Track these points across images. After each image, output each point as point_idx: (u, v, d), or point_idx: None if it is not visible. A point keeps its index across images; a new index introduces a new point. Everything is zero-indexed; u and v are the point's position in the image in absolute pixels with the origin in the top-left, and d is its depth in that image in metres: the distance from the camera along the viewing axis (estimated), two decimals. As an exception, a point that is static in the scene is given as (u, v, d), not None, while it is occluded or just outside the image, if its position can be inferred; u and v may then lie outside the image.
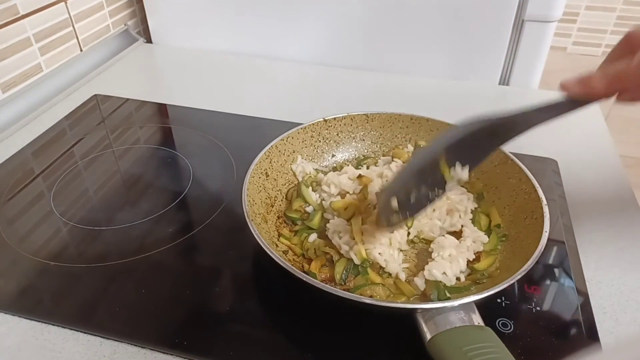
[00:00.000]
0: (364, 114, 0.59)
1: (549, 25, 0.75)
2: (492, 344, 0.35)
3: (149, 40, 0.96)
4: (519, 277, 0.39)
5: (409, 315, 0.39)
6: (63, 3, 0.78)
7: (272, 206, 0.52)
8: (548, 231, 0.44)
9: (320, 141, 0.58)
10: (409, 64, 0.83)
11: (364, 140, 0.60)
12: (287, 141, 0.55)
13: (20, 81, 0.73)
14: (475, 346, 0.35)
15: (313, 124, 0.57)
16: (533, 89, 0.81)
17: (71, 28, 0.80)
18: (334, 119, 0.58)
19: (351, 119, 0.59)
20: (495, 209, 0.51)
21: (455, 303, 0.38)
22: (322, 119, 0.58)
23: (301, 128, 0.56)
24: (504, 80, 0.82)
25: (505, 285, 0.38)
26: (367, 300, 0.39)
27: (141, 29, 0.98)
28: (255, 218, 0.46)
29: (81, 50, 0.84)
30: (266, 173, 0.52)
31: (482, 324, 0.38)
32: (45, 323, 0.43)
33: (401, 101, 0.75)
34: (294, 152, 0.56)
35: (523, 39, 0.77)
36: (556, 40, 1.50)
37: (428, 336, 0.37)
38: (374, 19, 0.81)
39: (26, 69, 0.73)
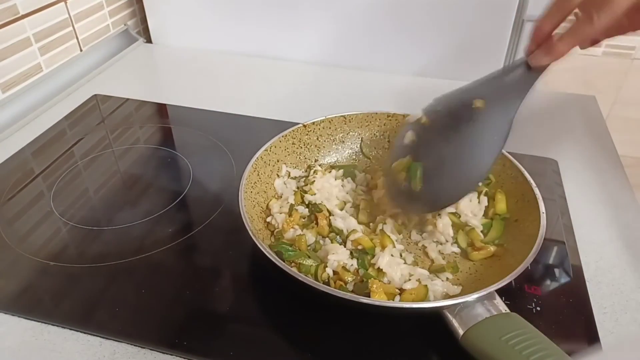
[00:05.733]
0: (342, 116, 0.59)
1: (549, 25, 0.75)
2: (526, 329, 0.36)
3: (148, 40, 0.96)
4: (535, 254, 0.41)
5: (436, 314, 0.39)
6: (63, 3, 0.78)
7: (266, 219, 0.51)
8: (545, 212, 0.45)
9: (301, 147, 0.58)
10: (408, 64, 0.83)
11: (343, 142, 0.60)
12: (270, 151, 0.54)
13: (20, 81, 0.73)
14: (513, 334, 0.35)
15: (293, 130, 0.57)
16: (533, 89, 0.81)
17: (71, 28, 0.80)
18: (313, 123, 0.58)
19: (329, 121, 0.59)
20: (502, 196, 0.51)
21: (479, 294, 0.38)
22: (301, 125, 0.57)
23: (282, 136, 0.56)
24: (504, 80, 0.82)
25: (526, 265, 0.40)
26: (366, 301, 0.39)
27: (141, 29, 0.98)
28: (256, 231, 0.46)
29: (81, 50, 0.84)
30: (256, 186, 0.52)
31: (507, 310, 0.38)
32: (45, 323, 0.43)
33: (400, 101, 0.75)
34: (278, 161, 0.55)
35: (523, 39, 0.77)
36: (556, 40, 1.49)
37: (461, 331, 0.37)
38: (373, 19, 0.81)
39: (26, 69, 0.73)
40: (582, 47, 0.45)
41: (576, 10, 0.41)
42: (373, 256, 0.45)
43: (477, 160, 0.45)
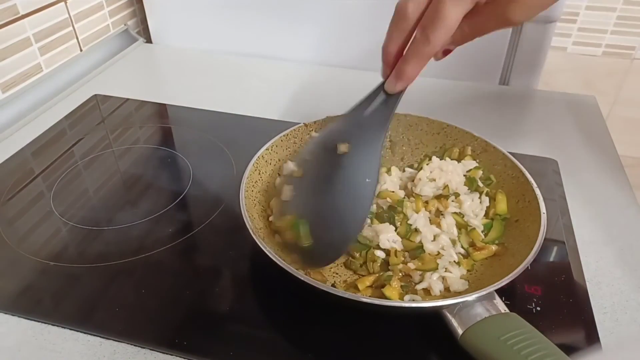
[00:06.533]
0: (342, 116, 0.59)
1: (549, 26, 0.75)
2: (526, 329, 0.36)
3: (149, 40, 0.96)
4: (535, 254, 0.41)
5: (435, 313, 0.39)
6: (63, 3, 0.78)
7: (268, 218, 0.51)
8: (545, 212, 0.45)
9: (302, 146, 0.57)
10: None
11: None
12: (272, 150, 0.54)
13: (20, 81, 0.73)
14: (512, 334, 0.35)
15: (294, 129, 0.57)
16: (533, 89, 0.81)
17: (71, 28, 0.80)
18: (314, 122, 0.58)
19: (330, 121, 0.58)
20: (502, 196, 0.51)
21: (479, 294, 0.38)
22: (302, 124, 0.57)
23: (284, 135, 0.56)
24: (504, 80, 0.82)
25: (526, 265, 0.40)
26: (366, 300, 0.40)
27: (141, 29, 0.98)
28: (257, 230, 0.46)
29: (81, 50, 0.84)
30: (257, 185, 0.52)
31: (507, 310, 0.38)
32: (45, 323, 0.43)
33: (401, 101, 0.75)
34: (279, 160, 0.55)
35: (523, 39, 0.77)
36: (556, 40, 1.49)
37: (460, 331, 0.37)
38: (374, 18, 0.80)
39: (26, 69, 0.73)
40: (436, 59, 0.43)
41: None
42: (404, 215, 0.47)
43: (354, 206, 0.44)
